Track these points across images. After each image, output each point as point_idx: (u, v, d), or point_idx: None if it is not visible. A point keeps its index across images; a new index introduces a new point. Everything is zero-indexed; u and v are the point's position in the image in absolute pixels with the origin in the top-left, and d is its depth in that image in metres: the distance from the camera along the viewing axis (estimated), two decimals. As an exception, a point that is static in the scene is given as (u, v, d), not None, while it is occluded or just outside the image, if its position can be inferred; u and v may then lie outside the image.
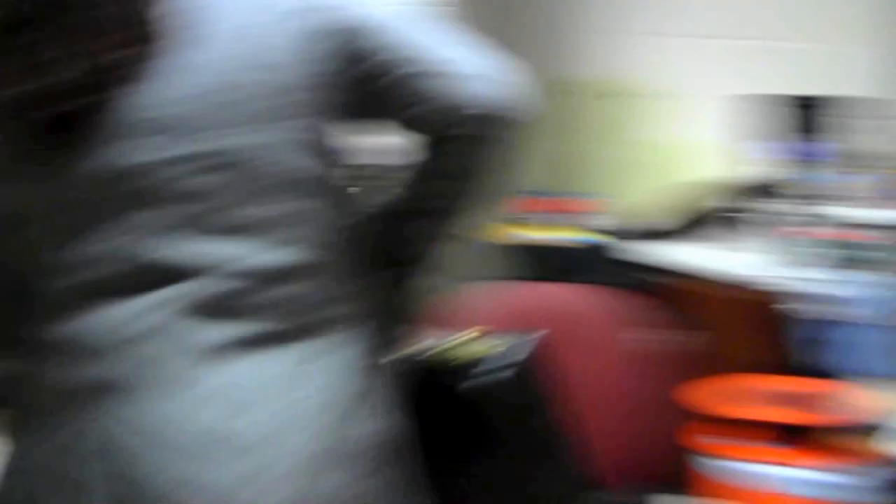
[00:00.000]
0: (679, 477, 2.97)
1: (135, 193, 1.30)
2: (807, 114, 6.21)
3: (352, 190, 1.47)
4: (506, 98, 1.38)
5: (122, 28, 1.29)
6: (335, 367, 1.36)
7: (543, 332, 1.63)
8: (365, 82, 1.38)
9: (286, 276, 1.34)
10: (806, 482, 2.84)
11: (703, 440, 2.93)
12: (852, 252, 3.48)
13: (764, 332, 3.18)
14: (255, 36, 1.34)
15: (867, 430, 2.83)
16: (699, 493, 2.94)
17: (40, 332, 1.34)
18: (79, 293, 1.32)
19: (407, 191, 1.48)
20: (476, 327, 1.63)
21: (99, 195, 1.31)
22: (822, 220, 3.62)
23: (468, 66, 1.38)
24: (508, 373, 1.54)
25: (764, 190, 3.80)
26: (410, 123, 1.41)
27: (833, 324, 3.32)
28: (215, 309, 1.31)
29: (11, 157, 1.32)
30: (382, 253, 1.48)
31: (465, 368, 1.53)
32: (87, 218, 1.31)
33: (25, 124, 1.29)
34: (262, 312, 1.33)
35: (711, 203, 3.52)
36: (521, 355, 1.57)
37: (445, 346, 1.59)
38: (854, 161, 5.36)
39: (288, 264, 1.35)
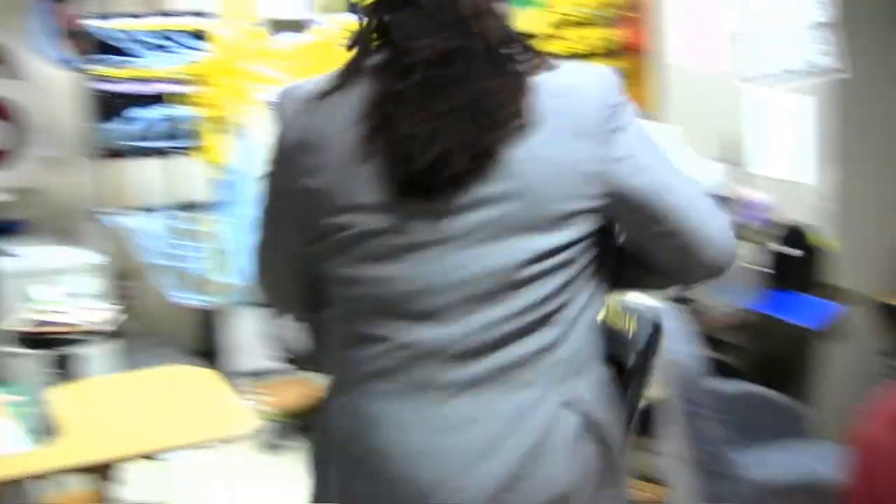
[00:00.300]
0: None
1: (436, 257, 1.68)
2: None
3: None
4: (726, 259, 1.79)
5: (503, 111, 1.65)
6: (545, 412, 1.70)
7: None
8: (629, 229, 1.80)
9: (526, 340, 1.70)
10: None
11: None
12: None
13: None
14: (569, 134, 1.69)
15: None
16: None
17: (347, 325, 1.77)
18: (374, 306, 1.72)
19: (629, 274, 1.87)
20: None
21: (414, 240, 1.68)
22: None
23: (706, 234, 1.75)
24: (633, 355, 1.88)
25: None
26: (653, 258, 1.81)
27: None
28: (464, 355, 1.68)
29: (381, 189, 1.67)
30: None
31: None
32: (398, 251, 1.69)
33: (402, 171, 1.65)
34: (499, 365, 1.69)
35: None
36: (638, 344, 1.88)
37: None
38: None
39: (544, 340, 1.70)
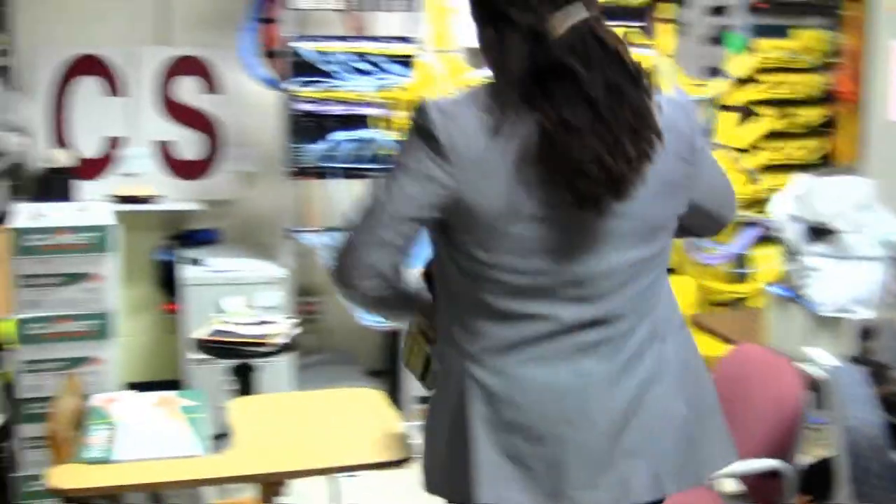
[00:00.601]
0: None
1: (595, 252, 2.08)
2: None
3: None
4: (735, 213, 2.43)
5: (651, 131, 2.02)
6: (652, 357, 2.17)
7: None
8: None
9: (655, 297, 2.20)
10: None
11: None
12: None
13: None
14: (673, 156, 2.10)
15: None
16: None
17: (495, 302, 2.09)
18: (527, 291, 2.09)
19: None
20: None
21: (572, 242, 2.06)
22: None
23: (729, 195, 2.37)
24: None
25: None
26: (691, 225, 2.30)
27: None
28: (592, 326, 2.11)
29: (542, 200, 2.01)
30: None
31: None
32: (551, 248, 2.05)
33: (569, 184, 1.99)
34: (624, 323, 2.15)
35: None
36: None
37: None
38: None
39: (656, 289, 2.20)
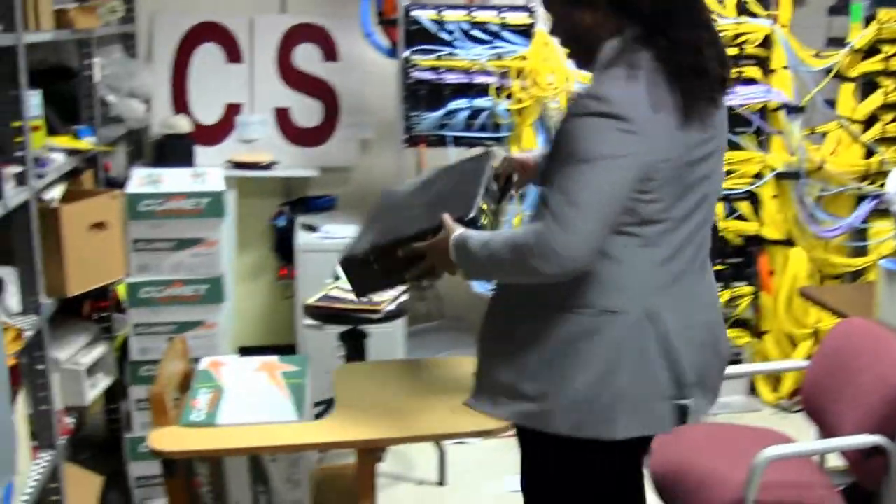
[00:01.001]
0: None
1: (702, 181, 2.46)
2: None
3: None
4: None
5: (724, 70, 2.49)
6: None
7: None
8: None
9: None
10: None
11: None
12: None
13: None
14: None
15: None
16: None
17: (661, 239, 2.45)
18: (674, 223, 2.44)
19: None
20: None
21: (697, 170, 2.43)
22: None
23: None
24: None
25: None
26: None
27: None
28: (705, 246, 2.58)
29: (688, 140, 2.39)
30: None
31: None
32: (688, 181, 2.42)
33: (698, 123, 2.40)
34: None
35: None
36: None
37: None
38: None
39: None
